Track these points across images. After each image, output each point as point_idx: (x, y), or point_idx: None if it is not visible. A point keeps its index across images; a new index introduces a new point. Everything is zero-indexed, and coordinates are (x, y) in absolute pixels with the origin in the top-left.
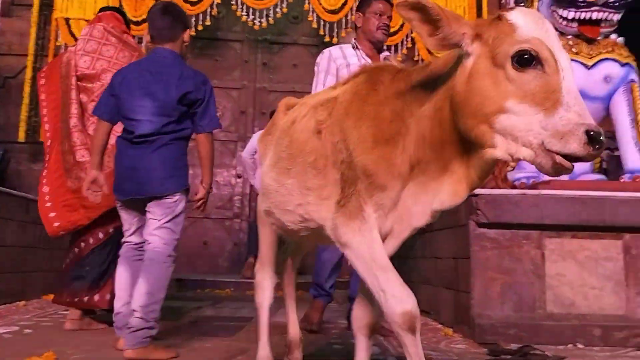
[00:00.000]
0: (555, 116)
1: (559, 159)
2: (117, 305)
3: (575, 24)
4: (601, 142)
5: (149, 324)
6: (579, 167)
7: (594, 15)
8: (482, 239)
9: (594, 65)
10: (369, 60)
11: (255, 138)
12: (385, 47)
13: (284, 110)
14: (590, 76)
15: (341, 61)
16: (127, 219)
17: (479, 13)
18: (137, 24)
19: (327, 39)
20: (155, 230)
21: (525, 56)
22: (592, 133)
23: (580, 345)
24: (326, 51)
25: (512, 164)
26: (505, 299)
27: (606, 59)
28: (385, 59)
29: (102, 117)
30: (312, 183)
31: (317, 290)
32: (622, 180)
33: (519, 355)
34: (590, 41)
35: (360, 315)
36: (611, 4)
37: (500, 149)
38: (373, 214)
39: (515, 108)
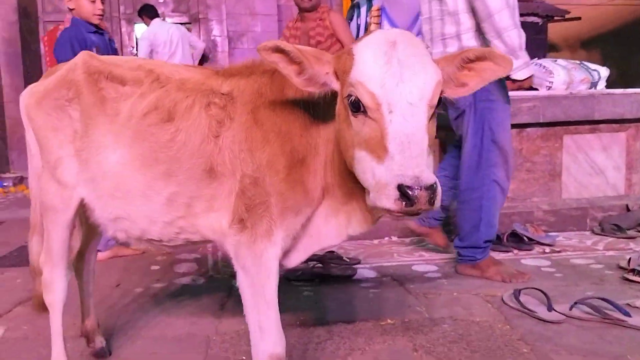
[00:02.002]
0: (383, 166)
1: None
2: None
3: None
4: (413, 199)
5: None
6: None
7: None
8: None
9: None
10: None
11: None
12: None
13: (90, 79)
14: None
15: None
16: None
17: None
18: None
19: None
20: None
21: (353, 100)
22: (405, 188)
23: None
24: None
25: None
26: None
27: None
28: None
29: None
30: (202, 192)
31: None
32: None
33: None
34: None
35: None
36: None
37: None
38: (281, 239)
39: (357, 155)
